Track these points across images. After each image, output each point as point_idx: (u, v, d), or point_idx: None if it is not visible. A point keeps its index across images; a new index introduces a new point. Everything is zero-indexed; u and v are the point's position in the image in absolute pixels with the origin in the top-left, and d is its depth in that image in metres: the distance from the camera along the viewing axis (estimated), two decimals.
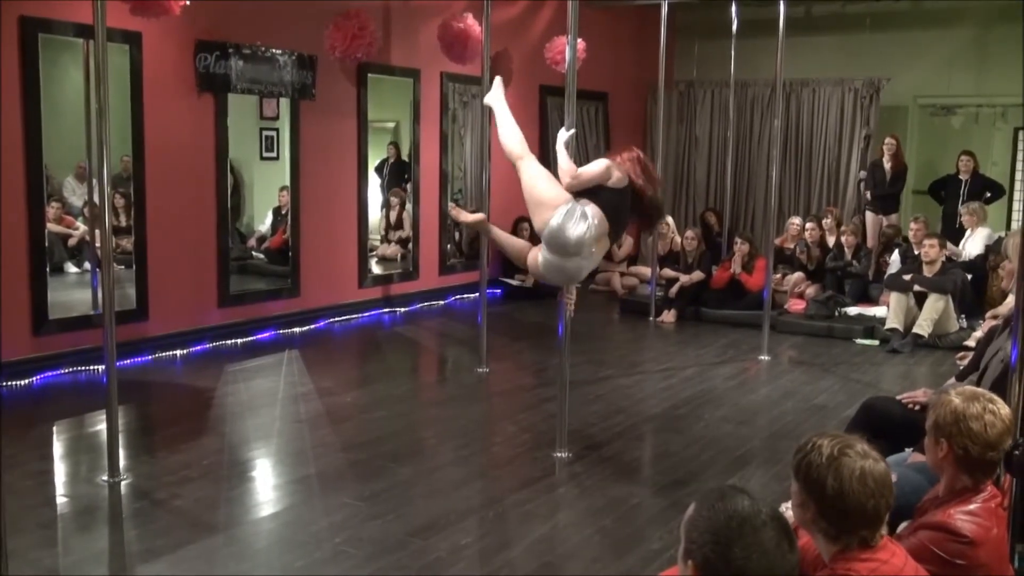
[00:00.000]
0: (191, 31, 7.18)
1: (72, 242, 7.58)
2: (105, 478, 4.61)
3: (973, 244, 9.25)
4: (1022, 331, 2.66)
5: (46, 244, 6.60)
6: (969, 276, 8.65)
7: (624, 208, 4.69)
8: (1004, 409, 2.58)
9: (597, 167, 4.65)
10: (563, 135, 4.89)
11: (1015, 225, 10.78)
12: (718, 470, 4.98)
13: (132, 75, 6.89)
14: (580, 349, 6.95)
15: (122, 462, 4.72)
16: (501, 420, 5.97)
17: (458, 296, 9.98)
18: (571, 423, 5.21)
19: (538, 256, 4.69)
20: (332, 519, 4.22)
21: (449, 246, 10.18)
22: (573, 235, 4.48)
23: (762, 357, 7.60)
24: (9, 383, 6.14)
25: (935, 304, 7.95)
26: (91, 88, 6.50)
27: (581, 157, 11.41)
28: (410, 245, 9.73)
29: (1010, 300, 7.28)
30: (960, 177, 10.07)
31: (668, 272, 9.59)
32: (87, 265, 7.40)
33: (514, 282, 10.27)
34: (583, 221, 4.49)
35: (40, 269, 6.49)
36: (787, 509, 2.40)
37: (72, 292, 7.25)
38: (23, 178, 6.31)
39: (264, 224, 9.21)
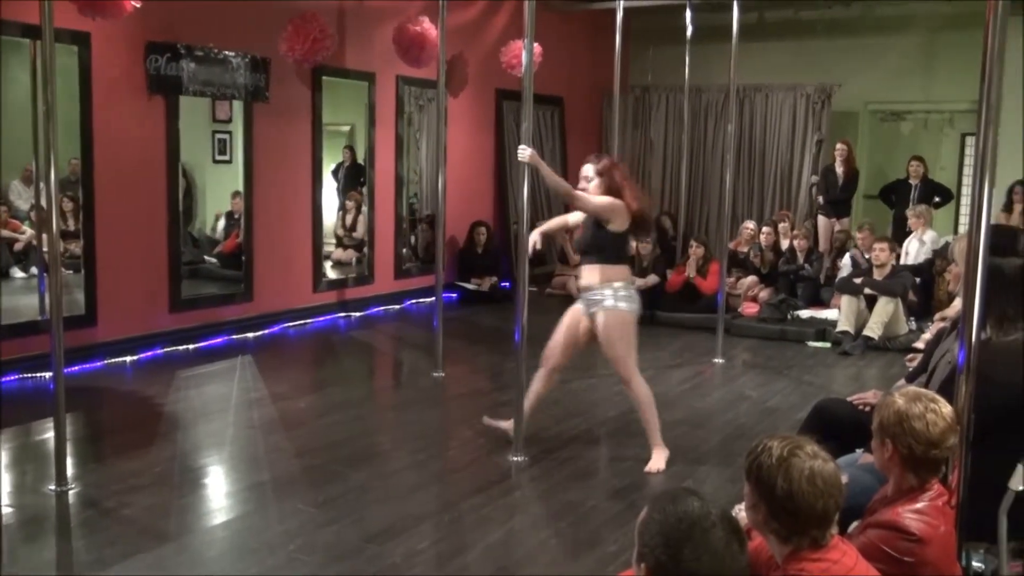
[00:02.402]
0: (141, 32, 7.08)
1: (19, 246, 7.45)
2: (53, 487, 4.52)
3: (914, 246, 9.38)
4: (968, 333, 2.70)
5: None
6: (917, 279, 8.79)
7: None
8: (946, 408, 2.62)
9: (602, 205, 4.93)
10: (524, 152, 4.92)
11: (962, 229, 10.97)
12: (673, 473, 5.01)
13: (81, 76, 6.77)
14: (536, 353, 6.92)
15: (70, 471, 4.64)
16: (457, 424, 5.95)
17: (414, 300, 9.95)
18: (527, 427, 5.21)
19: None
20: (286, 526, 4.18)
21: (405, 250, 10.14)
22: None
23: (716, 360, 7.66)
24: None
25: (885, 307, 8.08)
26: (38, 89, 6.39)
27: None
28: (365, 249, 9.68)
29: (957, 303, 7.41)
30: (910, 182, 10.24)
31: None
32: (34, 270, 7.27)
33: (470, 286, 10.26)
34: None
35: None
36: (740, 511, 2.42)
37: (19, 297, 7.12)
38: None
39: (217, 228, 9.10)
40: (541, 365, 5.30)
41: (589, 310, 5.10)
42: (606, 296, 4.99)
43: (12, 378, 6.41)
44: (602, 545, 4.06)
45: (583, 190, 4.95)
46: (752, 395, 6.68)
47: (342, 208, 10.08)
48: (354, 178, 10.09)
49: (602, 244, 4.98)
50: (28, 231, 7.43)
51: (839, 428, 4.06)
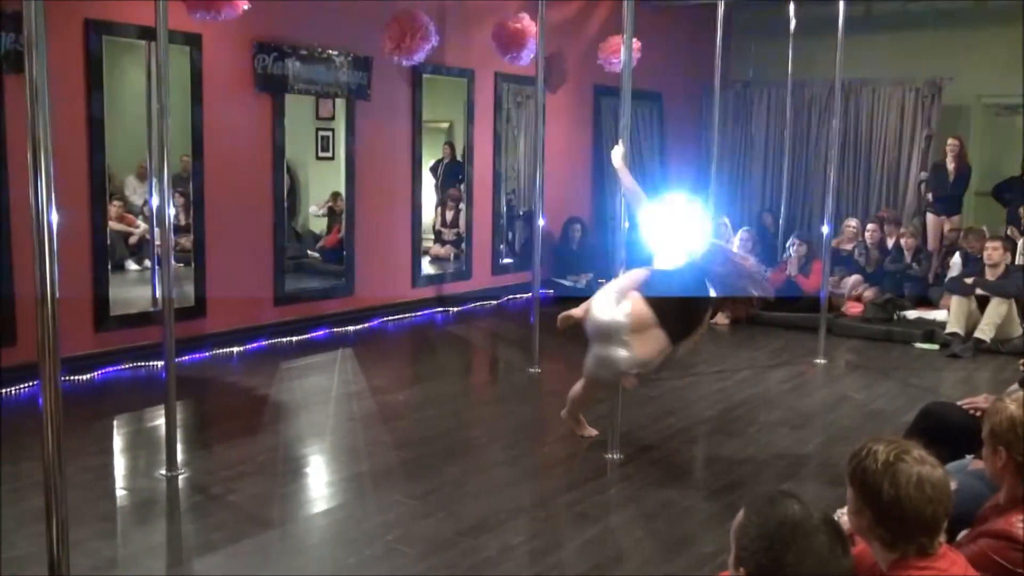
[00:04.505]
0: (249, 32, 7.28)
1: (133, 240, 7.74)
2: (163, 472, 4.69)
3: None
4: None
5: (108, 242, 6.74)
6: None
7: (695, 307, 4.78)
8: None
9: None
10: (617, 151, 4.96)
11: None
12: (771, 474, 4.92)
13: (192, 76, 7.01)
14: None
15: (180, 457, 4.80)
16: (552, 421, 5.94)
17: (511, 296, 9.99)
18: (623, 425, 5.18)
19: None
20: (384, 517, 4.25)
21: (502, 246, 10.19)
22: (603, 316, 4.65)
23: (818, 360, 7.49)
24: (71, 378, 6.27)
25: (997, 308, 7.77)
26: (152, 89, 6.63)
27: (635, 158, 11.38)
28: (463, 245, 9.76)
29: None
30: None
31: None
32: (147, 263, 7.55)
33: (567, 283, 10.24)
34: (615, 305, 4.62)
35: (102, 266, 6.63)
36: (842, 515, 2.37)
37: (133, 289, 7.40)
38: (86, 177, 6.45)
39: (318, 209, 9.24)
40: None
41: None
42: None
43: (126, 366, 6.67)
44: (698, 545, 4.01)
45: None
46: (856, 397, 6.52)
47: (442, 204, 10.19)
48: (453, 175, 10.19)
49: None
50: (142, 225, 7.71)
51: (948, 433, 3.93)
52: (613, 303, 4.65)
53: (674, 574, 3.76)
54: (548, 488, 4.74)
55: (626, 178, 4.99)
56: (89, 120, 6.42)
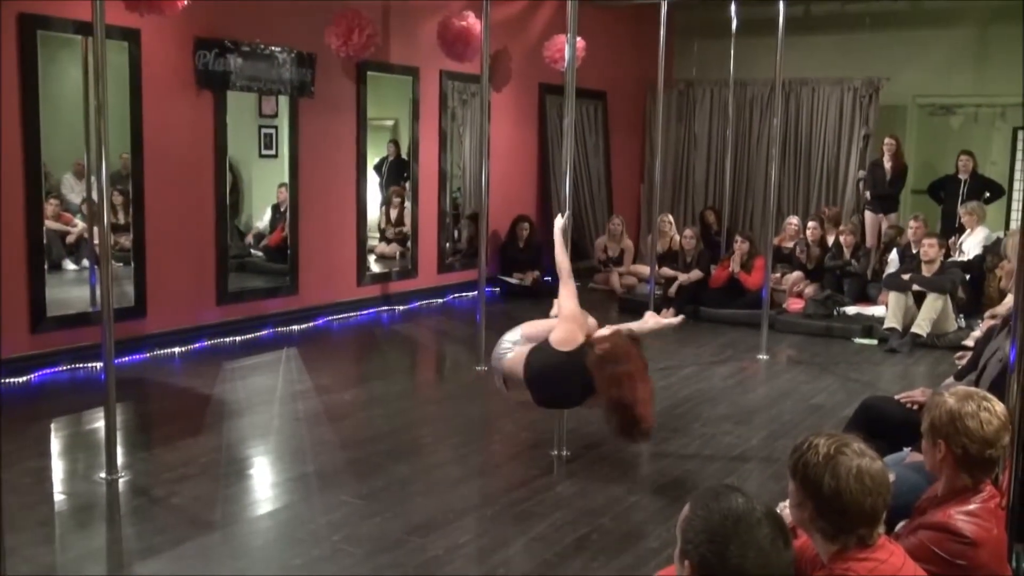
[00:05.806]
0: (190, 28, 7.17)
1: (70, 239, 7.58)
2: (103, 475, 4.60)
3: (971, 244, 9.24)
4: (1020, 331, 2.65)
5: (44, 241, 6.59)
6: (967, 276, 8.65)
7: (557, 379, 4.33)
8: (999, 406, 2.58)
9: (567, 306, 4.52)
10: (559, 222, 4.96)
11: (1014, 225, 10.77)
12: (716, 469, 4.98)
13: (131, 72, 6.87)
14: None
15: (120, 459, 4.72)
16: (499, 418, 5.96)
17: (456, 294, 9.98)
18: (569, 422, 5.20)
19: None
20: (330, 517, 4.22)
21: (448, 244, 10.17)
22: (497, 351, 4.55)
23: (760, 356, 7.60)
24: (7, 380, 6.13)
25: (933, 303, 7.95)
26: (90, 85, 6.50)
27: (580, 157, 11.44)
28: (408, 243, 9.72)
29: (1008, 300, 7.30)
30: (959, 177, 10.06)
31: (667, 271, 9.60)
32: (85, 262, 7.40)
33: (512, 280, 10.27)
34: (506, 351, 4.50)
35: (38, 266, 6.47)
36: (784, 508, 2.41)
37: (70, 289, 7.25)
38: (21, 175, 6.30)
39: (262, 221, 9.20)
40: None
41: None
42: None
43: (64, 368, 6.53)
44: (644, 541, 4.05)
45: None
46: (797, 392, 6.62)
47: (387, 202, 10.14)
48: (398, 173, 10.14)
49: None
50: (80, 224, 7.56)
51: (886, 426, 4.03)
52: (510, 343, 4.52)
53: (621, 570, 3.79)
54: (495, 486, 4.74)
55: (559, 251, 4.82)
56: (24, 117, 6.27)
